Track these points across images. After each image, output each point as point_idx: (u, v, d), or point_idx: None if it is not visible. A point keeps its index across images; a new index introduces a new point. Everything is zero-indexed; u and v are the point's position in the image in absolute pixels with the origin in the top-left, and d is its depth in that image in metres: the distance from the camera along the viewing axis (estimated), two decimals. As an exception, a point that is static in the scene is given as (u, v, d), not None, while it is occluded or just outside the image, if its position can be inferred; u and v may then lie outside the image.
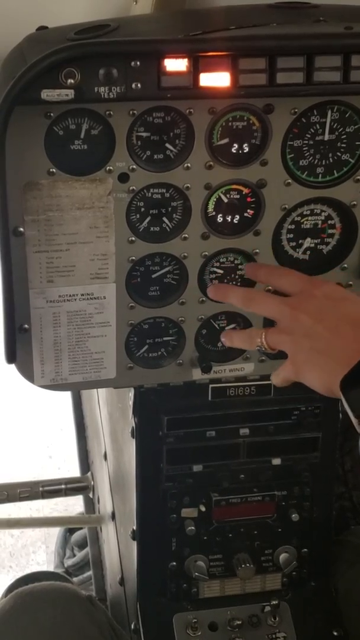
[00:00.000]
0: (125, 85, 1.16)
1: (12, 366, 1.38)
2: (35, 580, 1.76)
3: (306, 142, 1.29)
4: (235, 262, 1.39)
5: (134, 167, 1.26)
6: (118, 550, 1.87)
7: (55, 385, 1.42)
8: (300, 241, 1.39)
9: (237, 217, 1.34)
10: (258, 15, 1.33)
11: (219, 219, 1.34)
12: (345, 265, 1.40)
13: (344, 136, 1.30)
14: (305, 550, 1.67)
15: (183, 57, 1.16)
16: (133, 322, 1.40)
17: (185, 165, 1.27)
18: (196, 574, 1.61)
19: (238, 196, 1.33)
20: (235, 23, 1.23)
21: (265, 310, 1.26)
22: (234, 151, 1.28)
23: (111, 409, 1.86)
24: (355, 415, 1.02)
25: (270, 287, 1.34)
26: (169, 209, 1.32)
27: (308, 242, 1.39)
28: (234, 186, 1.31)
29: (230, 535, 1.63)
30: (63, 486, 2.29)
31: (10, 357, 1.36)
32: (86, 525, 2.50)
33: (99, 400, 2.13)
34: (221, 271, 1.39)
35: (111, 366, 1.42)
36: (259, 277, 1.35)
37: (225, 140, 1.27)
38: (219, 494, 1.59)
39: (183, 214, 1.33)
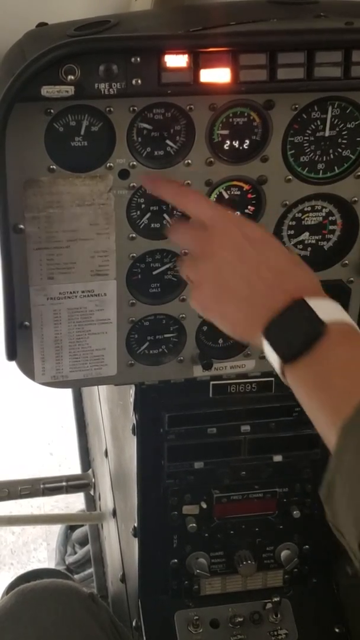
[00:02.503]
0: (125, 82, 1.16)
1: (13, 363, 1.38)
2: (37, 577, 1.77)
3: (307, 138, 1.29)
4: (236, 258, 1.39)
5: (135, 163, 1.26)
6: (119, 547, 1.87)
7: (56, 383, 1.42)
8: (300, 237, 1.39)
9: (238, 213, 1.34)
10: (258, 10, 1.32)
11: None
12: (346, 262, 1.40)
13: (345, 132, 1.30)
14: (307, 547, 1.67)
15: (183, 53, 1.15)
16: (134, 319, 1.39)
17: (186, 161, 1.27)
18: (197, 571, 1.61)
19: (239, 192, 1.32)
20: (236, 19, 1.23)
21: (194, 213, 1.19)
22: (235, 147, 1.28)
23: (112, 406, 1.86)
24: (282, 358, 0.99)
25: None
26: (170, 205, 1.31)
27: (305, 236, 1.39)
28: (235, 182, 1.31)
29: (232, 532, 1.63)
30: (64, 483, 2.29)
31: (11, 354, 1.35)
32: (87, 522, 2.50)
33: (100, 397, 2.13)
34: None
35: (112, 363, 1.42)
36: (158, 192, 1.24)
37: (226, 137, 1.27)
38: (220, 491, 1.59)
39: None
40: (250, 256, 1.10)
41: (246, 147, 1.28)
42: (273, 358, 1.02)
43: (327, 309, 1.00)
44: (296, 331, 0.98)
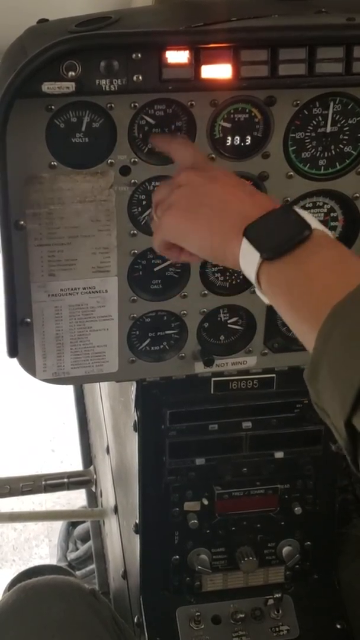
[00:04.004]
0: (126, 78, 1.16)
1: (14, 360, 1.38)
2: (38, 574, 1.77)
3: (308, 134, 1.29)
4: (238, 255, 1.38)
5: (136, 159, 1.26)
6: (121, 543, 1.87)
7: (57, 379, 1.42)
8: None
9: None
10: (260, 6, 1.32)
11: None
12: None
13: (346, 128, 1.29)
14: (308, 543, 1.67)
15: (184, 49, 1.15)
16: (135, 315, 1.39)
17: (187, 157, 1.27)
18: (199, 567, 1.61)
19: (240, 189, 1.32)
20: (237, 14, 1.22)
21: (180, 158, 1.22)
22: (236, 143, 1.28)
23: (113, 403, 1.86)
24: (265, 254, 0.98)
25: None
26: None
27: None
28: (236, 179, 1.31)
29: (233, 528, 1.63)
30: (66, 480, 2.29)
31: (12, 351, 1.35)
32: (89, 518, 2.50)
33: (102, 393, 2.13)
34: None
35: (113, 360, 1.42)
36: (157, 143, 1.26)
37: (227, 133, 1.27)
38: (222, 488, 1.59)
39: (185, 207, 1.32)
40: (225, 181, 1.13)
41: (247, 144, 1.28)
42: (250, 260, 1.00)
43: (308, 217, 1.01)
44: (282, 231, 0.98)
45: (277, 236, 0.98)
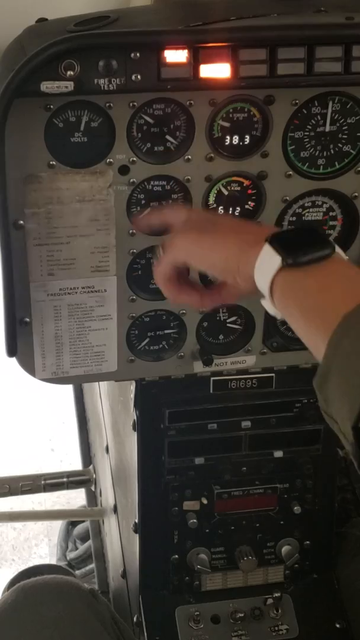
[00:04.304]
0: (125, 77, 1.16)
1: (13, 359, 1.38)
2: (38, 573, 1.76)
3: (307, 133, 1.29)
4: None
5: (134, 159, 1.26)
6: (120, 543, 1.87)
7: (56, 379, 1.42)
8: None
9: (238, 209, 1.34)
10: (259, 5, 1.32)
11: (220, 211, 1.34)
12: (347, 257, 1.40)
13: (345, 127, 1.29)
14: (308, 542, 1.67)
15: (183, 49, 1.15)
16: (134, 315, 1.39)
17: (186, 157, 1.27)
18: (198, 566, 1.61)
19: (239, 188, 1.32)
20: (236, 14, 1.22)
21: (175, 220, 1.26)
22: (235, 143, 1.28)
23: (113, 402, 1.86)
24: (287, 259, 1.00)
25: None
26: (170, 201, 1.31)
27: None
28: (235, 178, 1.31)
29: (233, 527, 1.63)
30: (65, 479, 2.29)
31: (11, 351, 1.35)
32: (88, 518, 2.50)
33: (101, 393, 2.13)
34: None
35: (112, 359, 1.42)
36: (150, 220, 1.30)
37: (226, 132, 1.27)
38: (221, 487, 1.59)
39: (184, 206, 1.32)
40: (234, 218, 1.23)
41: (246, 143, 1.28)
42: (269, 265, 1.02)
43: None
44: (306, 243, 1.02)
45: (301, 246, 1.01)
